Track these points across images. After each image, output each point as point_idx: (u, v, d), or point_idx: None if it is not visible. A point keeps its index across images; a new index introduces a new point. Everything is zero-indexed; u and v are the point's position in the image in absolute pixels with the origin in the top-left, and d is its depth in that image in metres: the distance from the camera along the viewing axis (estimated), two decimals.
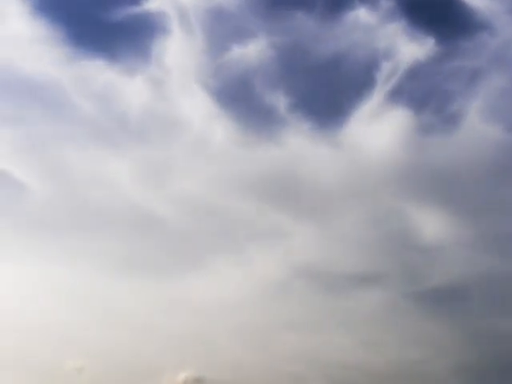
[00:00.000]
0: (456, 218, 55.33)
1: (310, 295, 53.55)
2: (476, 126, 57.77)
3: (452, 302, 52.71)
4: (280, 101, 58.58)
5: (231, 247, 55.45)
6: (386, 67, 58.71)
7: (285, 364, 49.66)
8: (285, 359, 49.76)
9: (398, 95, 59.11)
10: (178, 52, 58.93)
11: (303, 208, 57.54)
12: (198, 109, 58.95)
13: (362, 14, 59.13)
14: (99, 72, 58.52)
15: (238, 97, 59.88)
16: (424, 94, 59.87)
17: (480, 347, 50.44)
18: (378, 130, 58.58)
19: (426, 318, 52.48)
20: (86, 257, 53.58)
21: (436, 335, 51.58)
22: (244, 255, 55.09)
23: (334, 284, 54.10)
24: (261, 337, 50.86)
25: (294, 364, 49.73)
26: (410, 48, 58.81)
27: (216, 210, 56.97)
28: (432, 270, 54.16)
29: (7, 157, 57.50)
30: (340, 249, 55.51)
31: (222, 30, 59.70)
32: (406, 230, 55.74)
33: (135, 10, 58.06)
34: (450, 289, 53.05)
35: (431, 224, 55.36)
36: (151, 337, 50.22)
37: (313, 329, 51.55)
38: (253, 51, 58.66)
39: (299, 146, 58.39)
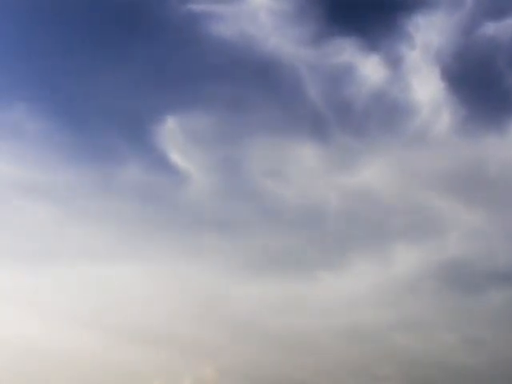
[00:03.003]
0: None
1: (436, 295, 50.88)
2: None
3: None
4: None
5: (376, 245, 52.74)
6: None
7: (381, 365, 48.06)
8: (382, 360, 48.22)
9: None
10: (431, 28, 55.02)
11: (484, 203, 53.79)
12: (428, 93, 55.03)
13: None
14: (338, 52, 54.80)
15: (476, 79, 55.47)
16: None
17: None
18: None
19: None
20: (233, 254, 51.43)
21: None
22: (387, 254, 52.24)
23: (469, 283, 51.31)
24: (368, 337, 48.97)
25: (390, 365, 47.98)
26: None
27: (381, 206, 53.88)
28: None
29: (181, 144, 54.61)
30: (495, 245, 52.00)
31: (483, 5, 54.85)
32: None
33: None
34: None
35: None
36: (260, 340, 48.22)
37: (424, 329, 49.32)
38: (508, 28, 53.80)
39: None
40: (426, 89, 54.73)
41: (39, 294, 47.84)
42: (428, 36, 54.69)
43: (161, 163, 53.85)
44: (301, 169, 54.70)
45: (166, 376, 45.19)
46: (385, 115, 55.09)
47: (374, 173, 53.77)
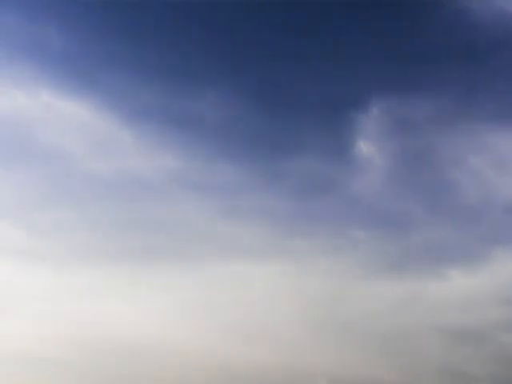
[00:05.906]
0: None
1: None
2: None
3: None
4: None
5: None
6: None
7: (481, 366, 45.57)
8: (483, 361, 45.58)
9: None
10: None
11: None
12: None
13: None
14: None
15: None
16: None
17: None
18: None
19: None
20: (374, 252, 48.12)
21: None
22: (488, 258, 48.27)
23: None
24: (475, 338, 46.12)
25: (490, 366, 45.20)
26: None
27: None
28: None
29: (375, 132, 50.11)
30: None
31: None
32: None
33: None
34: None
35: None
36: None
37: None
38: None
39: None
40: None
41: (174, 294, 46.22)
42: None
43: (344, 153, 49.76)
44: (494, 160, 50.67)
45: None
46: None
47: None
